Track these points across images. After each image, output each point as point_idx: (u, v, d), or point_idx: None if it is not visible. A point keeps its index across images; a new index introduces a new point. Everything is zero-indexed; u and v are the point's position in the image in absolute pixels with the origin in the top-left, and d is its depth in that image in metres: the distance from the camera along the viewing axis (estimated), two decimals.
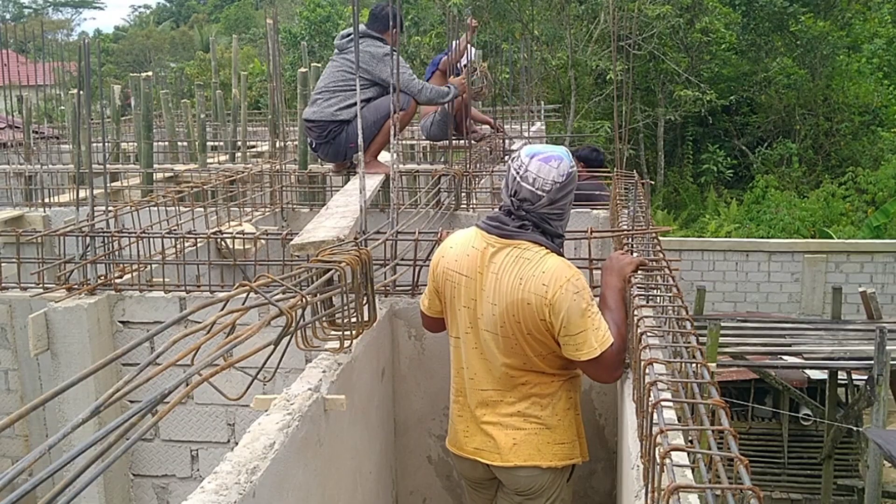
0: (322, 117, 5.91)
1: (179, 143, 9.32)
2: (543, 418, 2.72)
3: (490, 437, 2.75)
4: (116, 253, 4.00)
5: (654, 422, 1.69)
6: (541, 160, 2.62)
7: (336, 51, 6.12)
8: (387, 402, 3.48)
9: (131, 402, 3.15)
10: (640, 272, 2.94)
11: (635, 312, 2.57)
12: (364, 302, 2.84)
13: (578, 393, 2.85)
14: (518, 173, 2.63)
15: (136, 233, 4.02)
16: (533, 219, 2.64)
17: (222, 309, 1.85)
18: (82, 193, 4.39)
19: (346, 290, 2.69)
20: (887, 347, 8.61)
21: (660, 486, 1.52)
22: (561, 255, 2.70)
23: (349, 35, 6.06)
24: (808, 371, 10.34)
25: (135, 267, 4.03)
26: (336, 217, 4.04)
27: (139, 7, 61.19)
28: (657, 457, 1.56)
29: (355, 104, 5.77)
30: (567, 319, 2.55)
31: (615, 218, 4.52)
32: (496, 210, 2.78)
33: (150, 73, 7.48)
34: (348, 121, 5.88)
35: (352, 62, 5.81)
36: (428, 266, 3.55)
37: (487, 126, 8.24)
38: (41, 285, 3.86)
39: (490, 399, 2.74)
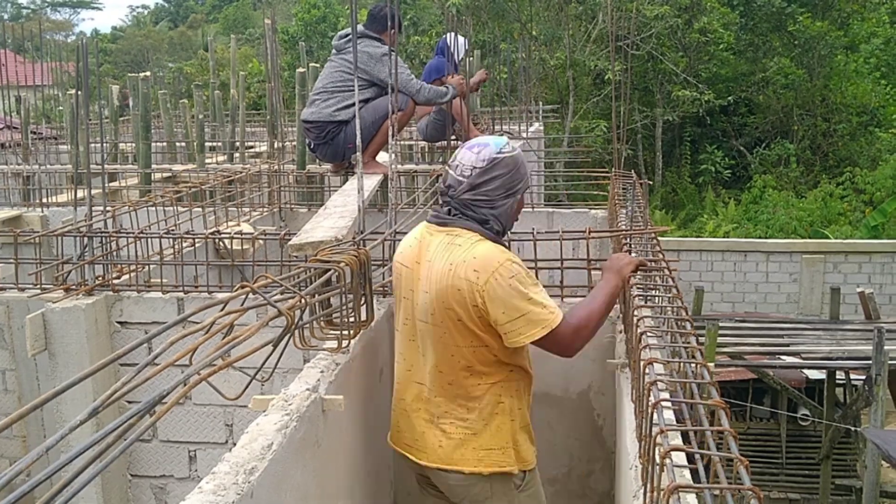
0: (320, 118, 5.91)
1: (178, 144, 9.32)
2: (469, 422, 2.63)
3: (420, 435, 2.70)
4: (114, 253, 4.00)
5: (653, 422, 1.69)
6: (466, 148, 2.67)
7: (334, 51, 6.11)
8: (385, 403, 3.47)
9: (129, 402, 3.15)
10: (639, 273, 2.94)
11: (635, 312, 2.57)
12: (362, 302, 2.84)
13: (516, 399, 2.70)
14: (449, 162, 2.71)
15: (134, 233, 4.02)
16: (456, 205, 2.62)
17: (222, 310, 1.85)
18: (80, 194, 4.39)
19: (344, 290, 2.69)
20: (885, 347, 8.62)
21: (659, 486, 1.52)
22: (497, 242, 2.63)
23: (347, 35, 6.06)
24: (806, 371, 10.35)
25: (133, 267, 4.02)
26: (334, 217, 4.04)
27: (137, 7, 61.15)
28: (657, 457, 1.56)
29: (353, 105, 5.77)
30: (504, 305, 2.50)
31: (613, 218, 4.53)
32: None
33: (148, 74, 7.48)
34: (347, 121, 5.88)
35: (350, 62, 5.82)
36: None
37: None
38: (39, 286, 3.86)
39: (423, 395, 2.70)
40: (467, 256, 2.53)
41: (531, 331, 2.51)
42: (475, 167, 2.60)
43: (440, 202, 2.71)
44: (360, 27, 5.89)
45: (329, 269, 2.61)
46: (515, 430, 2.68)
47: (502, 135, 7.83)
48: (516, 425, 2.69)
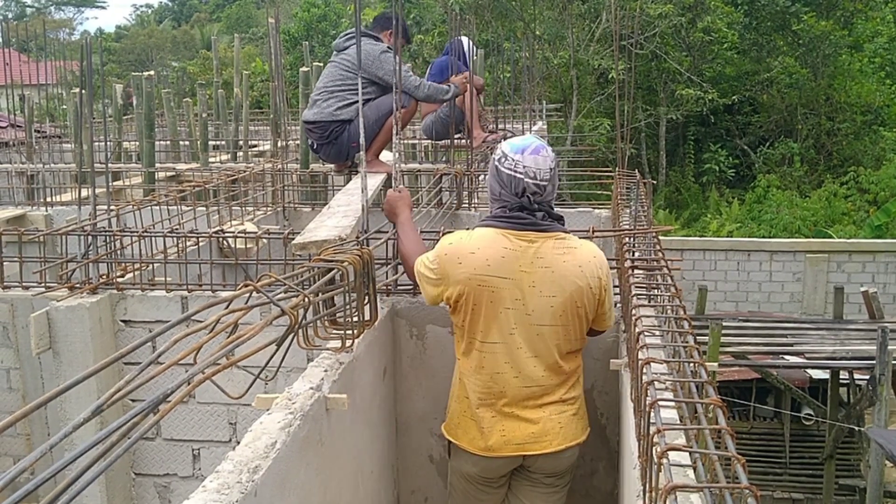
0: (322, 118, 5.91)
1: (181, 143, 9.34)
2: (577, 398, 2.88)
3: (536, 428, 2.81)
4: (118, 252, 4.01)
5: (651, 421, 1.69)
6: (532, 153, 2.73)
7: (334, 52, 6.12)
8: (388, 402, 3.48)
9: (133, 401, 3.16)
10: (640, 271, 2.96)
11: (633, 312, 2.58)
12: (365, 301, 2.85)
13: None
14: (517, 171, 2.72)
15: (137, 232, 4.03)
16: (546, 209, 2.75)
17: (226, 308, 1.86)
18: (84, 192, 4.39)
19: (347, 289, 2.69)
20: (889, 347, 8.61)
21: (657, 486, 1.53)
22: None
23: (347, 35, 6.06)
24: (809, 371, 10.35)
25: (137, 266, 4.03)
26: (338, 216, 4.04)
27: (141, 6, 61.13)
28: (654, 456, 1.56)
29: (355, 103, 5.78)
30: (609, 296, 2.85)
31: (617, 217, 4.53)
32: (502, 210, 2.79)
33: (151, 73, 7.49)
34: (349, 120, 5.88)
35: (349, 61, 5.82)
36: None
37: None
38: (43, 284, 3.87)
39: (535, 393, 2.79)
40: (588, 256, 2.77)
41: (611, 318, 2.93)
42: (551, 168, 2.74)
43: (524, 209, 2.73)
44: (362, 28, 5.90)
45: (332, 269, 2.62)
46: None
47: (505, 134, 7.86)
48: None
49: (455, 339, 2.93)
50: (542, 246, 2.72)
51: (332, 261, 2.67)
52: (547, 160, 2.73)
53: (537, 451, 2.82)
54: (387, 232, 3.55)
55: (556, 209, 2.82)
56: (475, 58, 7.19)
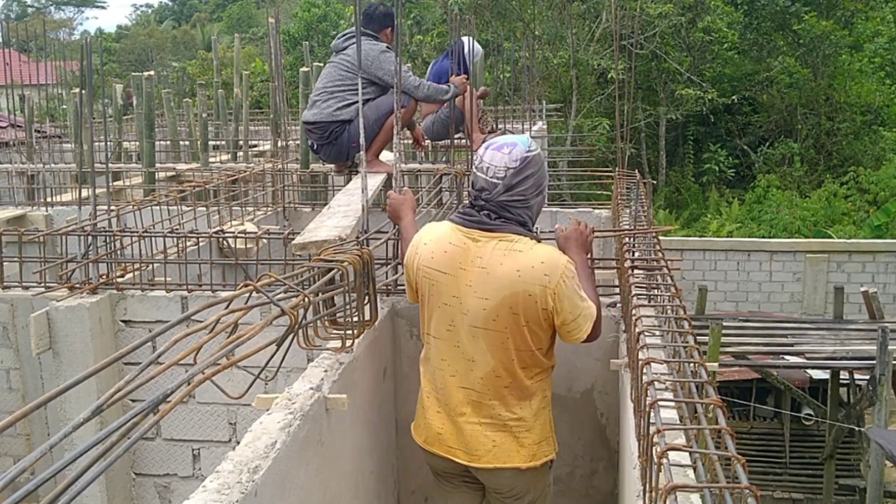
0: (322, 118, 5.91)
1: (181, 143, 9.34)
2: (523, 419, 2.70)
3: (469, 438, 2.71)
4: (118, 252, 4.01)
5: (651, 421, 1.70)
6: (493, 149, 2.64)
7: (333, 53, 6.11)
8: (388, 402, 3.48)
9: (133, 401, 3.16)
10: (640, 272, 2.95)
11: (633, 312, 2.58)
12: (365, 301, 2.85)
13: (549, 389, 2.83)
14: (475, 165, 2.67)
15: (138, 232, 4.03)
16: (493, 207, 2.62)
17: (226, 308, 1.86)
18: (84, 192, 4.39)
19: (347, 289, 2.69)
20: (889, 347, 8.61)
21: (657, 486, 1.53)
22: (540, 242, 2.70)
23: (345, 35, 6.06)
24: (809, 371, 10.35)
25: (137, 266, 4.03)
26: (338, 216, 4.05)
27: (141, 6, 61.10)
28: (655, 456, 1.56)
29: (355, 103, 5.77)
30: (571, 304, 2.59)
31: (617, 217, 4.53)
32: (465, 204, 2.77)
33: (151, 73, 7.49)
34: (349, 120, 5.87)
35: (349, 62, 5.82)
36: None
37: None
38: (43, 284, 3.87)
39: (470, 399, 2.70)
40: (534, 261, 2.57)
41: (585, 325, 2.65)
42: (509, 167, 2.60)
43: (472, 206, 2.66)
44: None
45: (332, 269, 2.62)
46: (551, 419, 2.82)
47: (504, 133, 7.86)
48: (551, 414, 2.83)
49: None
50: (485, 246, 2.61)
51: (332, 261, 2.67)
52: (504, 158, 2.60)
53: (465, 461, 2.73)
54: (387, 232, 3.55)
55: (519, 210, 2.64)
56: (476, 59, 7.17)
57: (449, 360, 2.72)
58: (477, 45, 7.32)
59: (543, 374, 2.75)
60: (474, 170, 2.67)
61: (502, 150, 2.62)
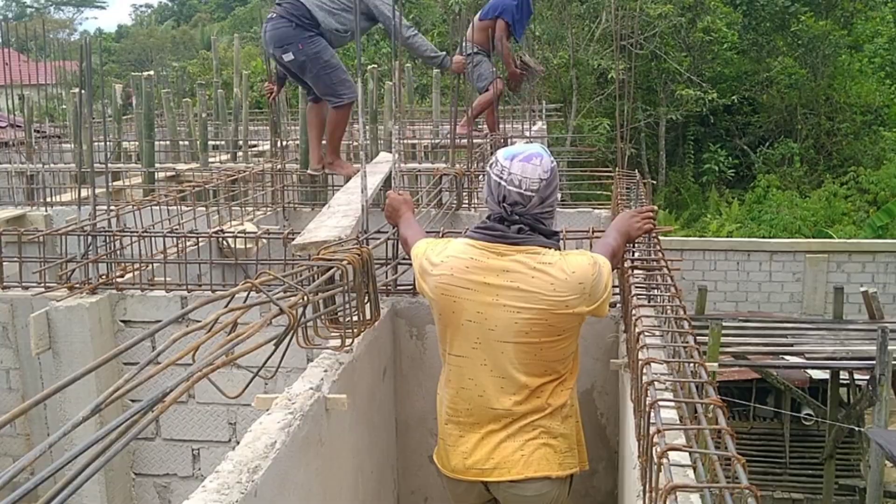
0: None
1: (181, 143, 9.34)
2: (552, 428, 2.65)
3: (499, 454, 2.63)
4: (118, 252, 4.01)
5: (651, 421, 1.69)
6: (522, 160, 2.56)
7: None
8: (388, 402, 3.48)
9: (133, 401, 3.16)
10: (640, 272, 2.95)
11: (633, 312, 2.57)
12: (365, 301, 2.84)
13: (576, 398, 2.77)
14: (502, 178, 2.56)
15: (137, 232, 4.03)
16: (528, 221, 2.57)
17: (226, 306, 1.85)
18: (84, 192, 4.39)
19: (347, 288, 2.68)
20: (889, 347, 8.61)
21: (657, 486, 1.52)
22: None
23: None
24: (809, 371, 10.34)
25: (136, 266, 4.03)
26: (338, 216, 4.04)
27: (141, 6, 61.07)
28: (654, 456, 1.56)
29: (337, 13, 5.39)
30: (605, 298, 2.61)
31: None
32: (485, 220, 2.66)
33: (151, 73, 7.49)
34: (321, 34, 5.38)
35: None
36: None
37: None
38: (43, 284, 3.87)
39: (500, 415, 2.62)
40: (567, 272, 2.54)
41: (608, 300, 2.66)
42: (542, 179, 2.55)
43: (503, 220, 2.57)
44: None
45: (332, 267, 2.61)
46: (580, 431, 2.76)
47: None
48: (580, 425, 2.76)
49: None
50: (511, 260, 2.56)
51: (331, 259, 2.66)
52: (537, 169, 2.54)
53: (497, 478, 2.63)
54: (387, 232, 3.55)
55: (548, 221, 2.63)
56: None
57: (476, 378, 2.63)
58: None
59: (570, 382, 2.72)
60: (501, 183, 2.56)
61: (532, 162, 2.55)
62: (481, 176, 6.16)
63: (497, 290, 2.56)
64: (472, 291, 2.58)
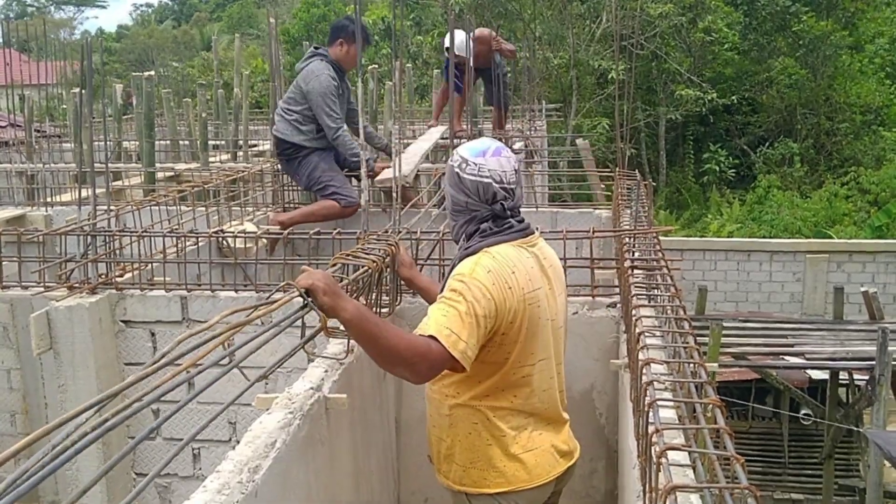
0: (277, 134, 5.72)
1: (181, 142, 9.35)
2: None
3: (567, 437, 2.71)
4: (118, 252, 4.01)
5: (650, 421, 1.70)
6: (496, 156, 2.50)
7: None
8: (388, 402, 3.48)
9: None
10: (640, 272, 2.95)
11: (633, 312, 2.58)
12: (376, 297, 2.88)
13: None
14: (482, 176, 2.49)
15: (137, 232, 4.03)
16: (519, 211, 2.59)
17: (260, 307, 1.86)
18: (84, 192, 4.40)
19: (363, 286, 2.73)
20: (889, 348, 8.61)
21: (657, 486, 1.53)
22: None
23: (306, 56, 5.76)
24: (809, 371, 10.34)
25: (136, 266, 4.04)
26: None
27: (141, 6, 61.02)
28: (654, 455, 1.56)
29: (303, 135, 5.58)
30: None
31: (617, 218, 4.53)
32: (485, 221, 2.54)
33: (152, 73, 7.49)
34: (301, 152, 5.64)
35: (295, 87, 5.60)
36: (427, 265, 3.56)
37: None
38: (42, 284, 3.87)
39: (562, 400, 2.68)
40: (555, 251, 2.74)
41: None
42: (515, 170, 2.57)
43: (513, 216, 2.54)
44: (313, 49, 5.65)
45: (364, 266, 2.70)
46: None
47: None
48: None
49: (472, 380, 2.51)
50: (542, 247, 2.61)
51: (357, 258, 2.74)
52: (510, 161, 2.51)
53: (570, 462, 2.67)
54: (416, 231, 3.56)
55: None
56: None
57: (552, 375, 2.60)
58: (459, 33, 7.23)
59: None
60: (480, 180, 2.47)
61: (503, 154, 2.52)
62: None
63: (551, 281, 2.61)
64: (542, 290, 2.54)
